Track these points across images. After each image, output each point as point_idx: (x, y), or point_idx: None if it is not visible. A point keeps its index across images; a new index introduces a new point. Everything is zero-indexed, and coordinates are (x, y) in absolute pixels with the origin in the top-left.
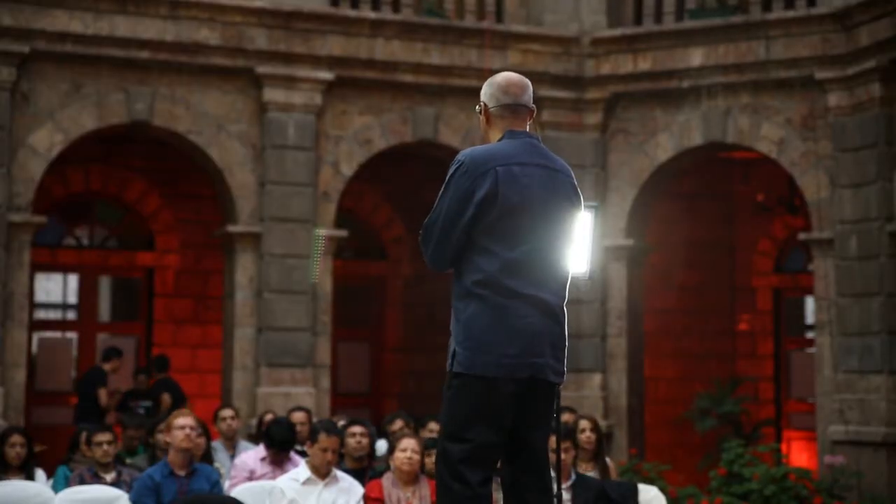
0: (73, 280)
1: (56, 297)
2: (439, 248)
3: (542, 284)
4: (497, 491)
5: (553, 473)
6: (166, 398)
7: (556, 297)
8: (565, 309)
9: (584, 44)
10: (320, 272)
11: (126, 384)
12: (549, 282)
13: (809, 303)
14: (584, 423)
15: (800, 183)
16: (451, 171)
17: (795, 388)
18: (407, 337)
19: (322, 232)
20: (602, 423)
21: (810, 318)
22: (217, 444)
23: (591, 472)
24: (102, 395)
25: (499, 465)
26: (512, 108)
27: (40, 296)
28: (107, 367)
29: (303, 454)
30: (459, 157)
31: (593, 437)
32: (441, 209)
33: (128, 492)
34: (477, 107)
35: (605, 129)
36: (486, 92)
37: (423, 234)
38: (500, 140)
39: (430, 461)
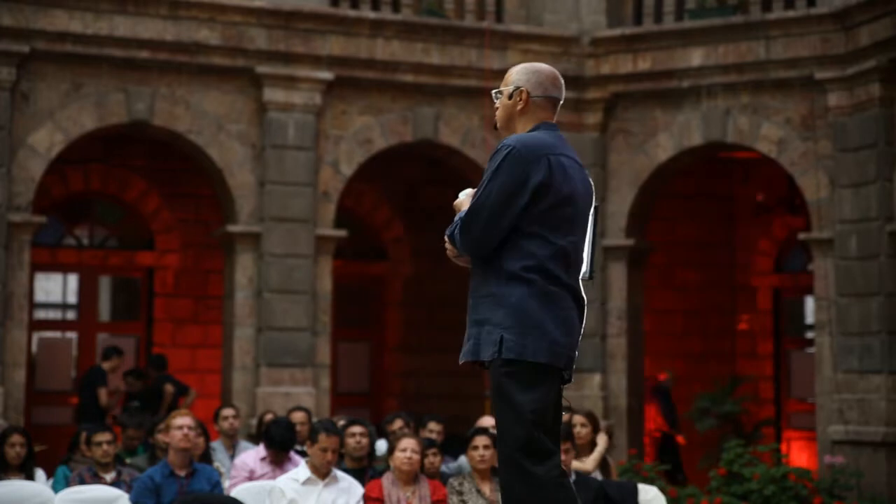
0: (72, 280)
1: (56, 297)
2: (488, 231)
3: (576, 278)
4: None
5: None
6: (169, 387)
7: (583, 292)
8: None
9: (584, 44)
10: (321, 272)
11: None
12: (578, 276)
13: (809, 303)
14: (577, 419)
15: (800, 183)
16: (500, 156)
17: (795, 388)
18: (407, 337)
19: None
20: (602, 424)
21: (810, 318)
22: (217, 444)
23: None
24: (102, 394)
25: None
26: (555, 102)
27: (40, 296)
28: (106, 365)
29: (303, 454)
30: (509, 142)
31: (584, 431)
32: (491, 192)
33: (128, 492)
34: (506, 88)
35: (605, 129)
36: (531, 79)
37: (469, 217)
38: (532, 130)
39: (430, 461)
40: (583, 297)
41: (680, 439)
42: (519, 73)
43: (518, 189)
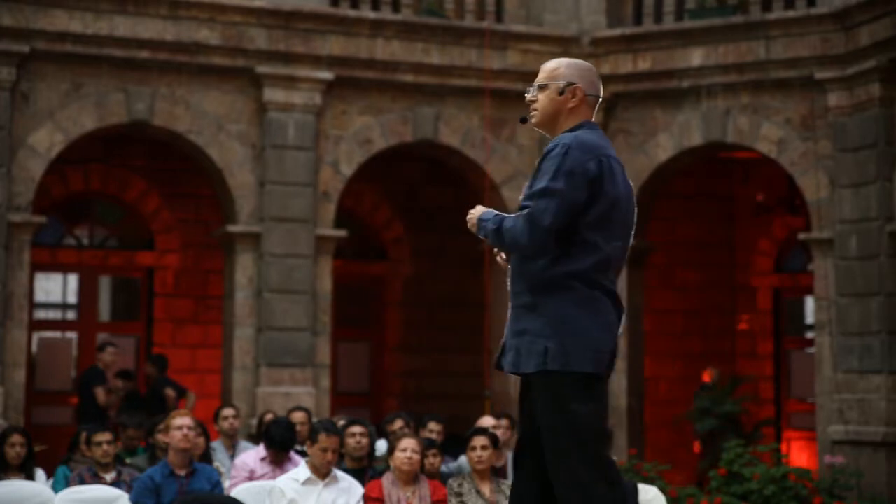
0: (72, 280)
1: (56, 297)
2: (555, 225)
3: (615, 282)
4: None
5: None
6: (170, 392)
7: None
8: None
9: (583, 44)
10: (321, 272)
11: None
12: (616, 280)
13: (809, 303)
14: None
15: (800, 183)
16: (559, 153)
17: (795, 388)
18: (407, 337)
19: None
20: None
21: (810, 317)
22: (217, 444)
23: None
24: (99, 393)
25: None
26: (598, 103)
27: (40, 296)
28: (105, 358)
29: (303, 454)
30: (565, 141)
31: None
32: (553, 191)
33: (128, 492)
34: (554, 83)
35: (605, 129)
36: (585, 77)
37: (533, 215)
38: (576, 128)
39: (430, 461)
40: (621, 301)
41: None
42: (571, 69)
43: (580, 188)
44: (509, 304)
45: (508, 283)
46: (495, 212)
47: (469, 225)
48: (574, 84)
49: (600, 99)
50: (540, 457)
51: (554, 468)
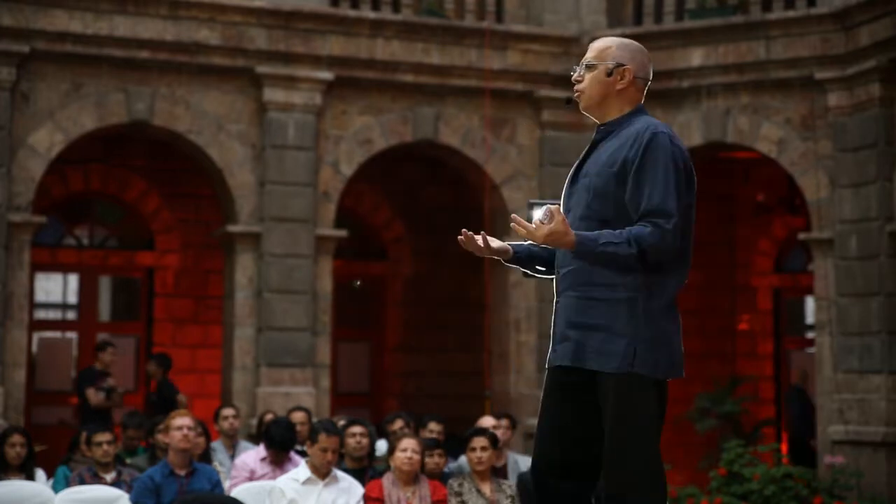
0: (73, 280)
1: (56, 297)
2: (684, 229)
3: None
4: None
5: None
6: (181, 398)
7: None
8: None
9: (584, 44)
10: (321, 272)
11: (126, 379)
12: None
13: (809, 303)
14: None
15: (800, 183)
16: (660, 144)
17: None
18: (407, 337)
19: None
20: None
21: (810, 317)
22: (217, 445)
23: None
24: (90, 394)
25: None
26: (646, 87)
27: (40, 296)
28: (103, 357)
29: (303, 454)
30: (662, 129)
31: None
32: (669, 183)
33: (128, 492)
34: (603, 64)
35: None
36: (636, 59)
37: (678, 217)
38: (630, 113)
39: (430, 461)
40: None
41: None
42: (622, 50)
43: (693, 181)
44: (566, 293)
45: (563, 269)
46: (586, 232)
47: (541, 236)
48: (624, 66)
49: (649, 82)
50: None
51: (615, 465)
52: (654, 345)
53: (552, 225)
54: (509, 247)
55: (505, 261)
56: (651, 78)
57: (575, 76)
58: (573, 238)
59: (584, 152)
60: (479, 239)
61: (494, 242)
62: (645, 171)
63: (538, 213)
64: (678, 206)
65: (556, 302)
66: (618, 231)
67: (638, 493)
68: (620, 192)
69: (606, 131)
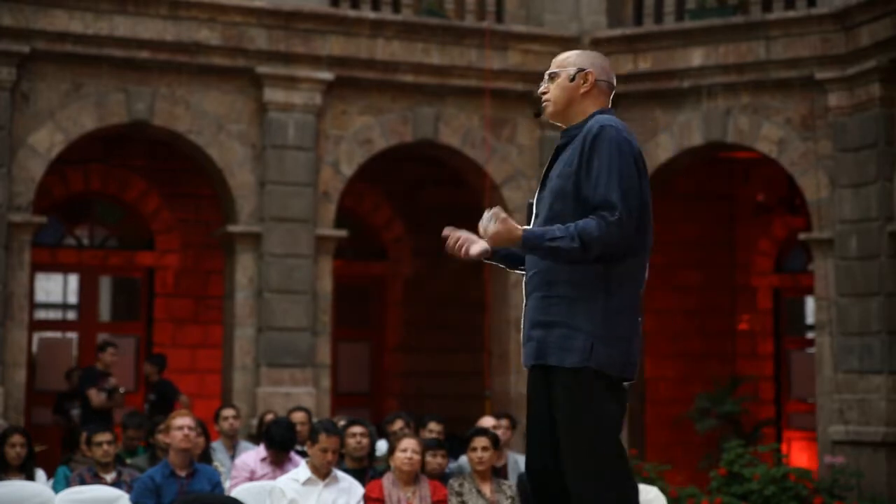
0: (73, 280)
1: (56, 297)
2: (632, 221)
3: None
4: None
5: None
6: (184, 399)
7: None
8: None
9: (584, 44)
10: (321, 272)
11: (126, 379)
12: None
13: (809, 303)
14: None
15: (800, 183)
16: (605, 137)
17: (795, 388)
18: (407, 337)
19: None
20: None
21: (810, 318)
22: (217, 445)
23: None
24: (92, 395)
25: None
26: (612, 89)
27: (40, 296)
28: (99, 364)
29: (303, 454)
30: (604, 122)
31: None
32: (613, 175)
33: (128, 492)
34: (565, 70)
35: None
36: (596, 63)
37: (623, 206)
38: (596, 113)
39: (431, 461)
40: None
41: None
42: (581, 57)
43: (642, 172)
44: (532, 294)
45: (531, 271)
46: (533, 227)
47: (488, 237)
48: (584, 70)
49: (614, 87)
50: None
51: (574, 464)
52: (611, 342)
53: (494, 226)
54: (487, 247)
55: (485, 259)
56: (615, 83)
57: (541, 89)
58: (519, 234)
59: (550, 158)
60: (455, 241)
61: (476, 247)
62: (591, 165)
63: (484, 216)
64: (623, 199)
65: (525, 304)
66: (566, 226)
67: (594, 492)
68: (579, 191)
69: (570, 135)
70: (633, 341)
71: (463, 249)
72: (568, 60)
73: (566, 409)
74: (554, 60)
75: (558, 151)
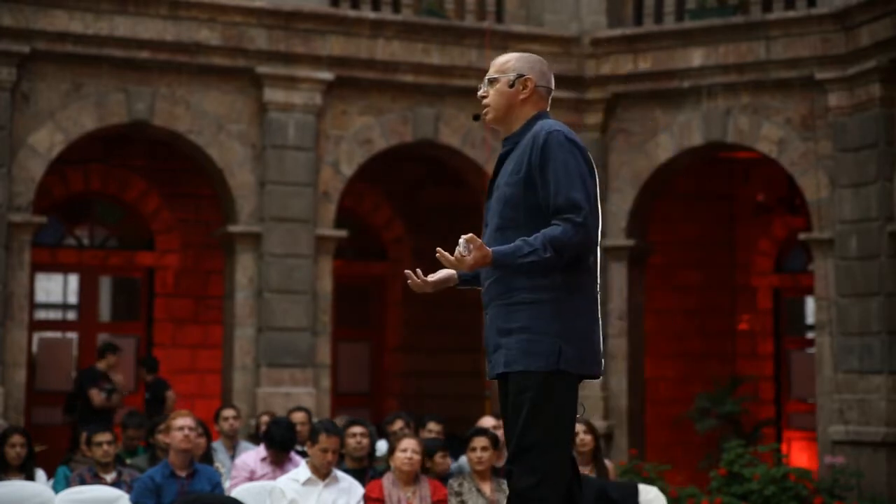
0: (73, 280)
1: (56, 297)
2: (596, 221)
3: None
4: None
5: None
6: (171, 394)
7: None
8: None
9: (584, 44)
10: (321, 272)
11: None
12: None
13: (809, 303)
14: (577, 427)
15: (800, 183)
16: (555, 142)
17: (796, 389)
18: (407, 337)
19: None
20: (602, 424)
21: (810, 318)
22: (217, 445)
23: (590, 475)
24: (94, 395)
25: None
26: (551, 93)
27: (40, 296)
28: (101, 364)
29: (303, 454)
30: (554, 128)
31: (587, 438)
32: (572, 177)
33: (128, 492)
34: (504, 76)
35: (605, 130)
36: (535, 68)
37: (579, 211)
38: (536, 118)
39: (440, 462)
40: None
41: None
42: (521, 62)
43: (592, 172)
44: (493, 304)
45: (487, 281)
46: (503, 248)
47: (467, 265)
48: (524, 76)
49: (552, 91)
50: None
51: (520, 460)
52: (576, 342)
53: (474, 254)
54: (453, 274)
55: (456, 286)
56: (553, 87)
57: (480, 93)
58: (490, 257)
59: (495, 166)
60: (415, 277)
61: (436, 275)
62: (547, 171)
63: (460, 245)
64: (587, 198)
65: (486, 315)
66: (532, 238)
67: (538, 493)
68: (529, 197)
69: (513, 142)
70: (596, 338)
71: (421, 281)
72: (507, 65)
73: (526, 410)
74: (493, 63)
75: (502, 159)
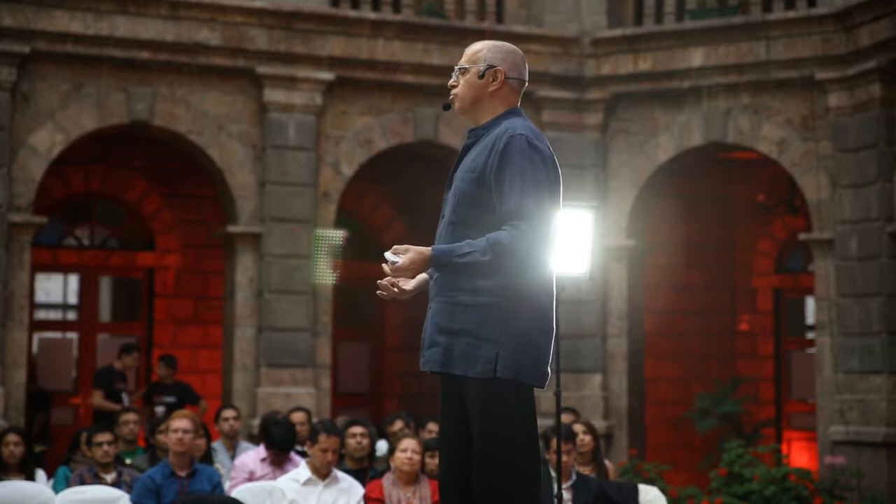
0: (73, 280)
1: (56, 298)
2: (544, 229)
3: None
4: None
5: (553, 473)
6: (203, 405)
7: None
8: None
9: (584, 44)
10: (323, 272)
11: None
12: None
13: (810, 303)
14: (577, 427)
15: (800, 183)
16: (517, 145)
17: (796, 389)
18: (407, 337)
19: (329, 233)
20: (602, 424)
21: (811, 318)
22: (217, 445)
23: (590, 475)
24: (96, 396)
25: None
26: (524, 85)
27: (41, 296)
28: (118, 364)
29: (303, 454)
30: (520, 130)
31: (587, 438)
32: (526, 185)
33: (128, 492)
34: (474, 66)
35: (605, 130)
36: (507, 59)
37: (533, 217)
38: (504, 114)
39: (431, 462)
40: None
41: None
42: (493, 52)
43: (553, 180)
44: (436, 298)
45: (436, 274)
46: (442, 245)
47: (406, 269)
48: (494, 67)
49: (525, 82)
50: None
51: (482, 474)
52: (518, 350)
53: (409, 255)
54: (427, 275)
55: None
56: (525, 77)
57: (451, 81)
58: (429, 254)
59: (457, 157)
60: (390, 287)
61: (410, 283)
62: (502, 175)
63: (387, 257)
64: (536, 208)
65: (429, 307)
66: (478, 240)
67: (497, 490)
68: (483, 197)
69: (477, 135)
70: (542, 348)
71: (397, 290)
72: (479, 55)
73: (476, 418)
74: (465, 52)
75: (465, 151)
